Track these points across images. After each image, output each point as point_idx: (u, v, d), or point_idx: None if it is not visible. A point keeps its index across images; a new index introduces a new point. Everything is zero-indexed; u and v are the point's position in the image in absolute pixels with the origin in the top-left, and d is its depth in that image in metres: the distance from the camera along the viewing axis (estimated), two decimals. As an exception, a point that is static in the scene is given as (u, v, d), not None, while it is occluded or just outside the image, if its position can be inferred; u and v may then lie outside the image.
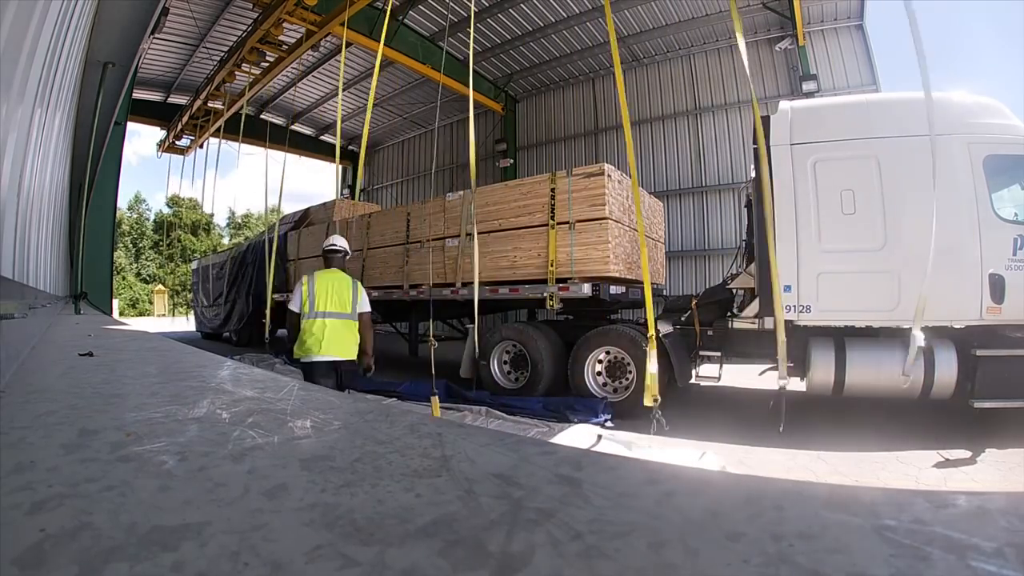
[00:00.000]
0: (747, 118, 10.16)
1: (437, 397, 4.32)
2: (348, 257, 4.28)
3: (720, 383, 5.64)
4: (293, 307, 3.79)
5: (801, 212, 4.79)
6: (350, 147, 19.30)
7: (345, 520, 0.37)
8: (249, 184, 44.50)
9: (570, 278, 5.74)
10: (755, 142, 5.17)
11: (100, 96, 5.10)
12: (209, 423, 0.65)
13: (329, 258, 3.99)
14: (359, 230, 8.47)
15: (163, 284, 31.71)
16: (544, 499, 0.39)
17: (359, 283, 3.95)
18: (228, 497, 0.41)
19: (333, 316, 3.73)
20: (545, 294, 5.89)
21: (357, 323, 3.84)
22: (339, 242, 4.08)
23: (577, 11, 11.48)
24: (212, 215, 27.07)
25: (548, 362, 5.96)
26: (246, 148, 14.99)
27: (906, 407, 4.89)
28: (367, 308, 3.90)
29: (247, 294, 11.54)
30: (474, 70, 10.13)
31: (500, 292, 6.27)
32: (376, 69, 7.34)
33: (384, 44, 11.09)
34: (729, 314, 5.56)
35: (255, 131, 14.81)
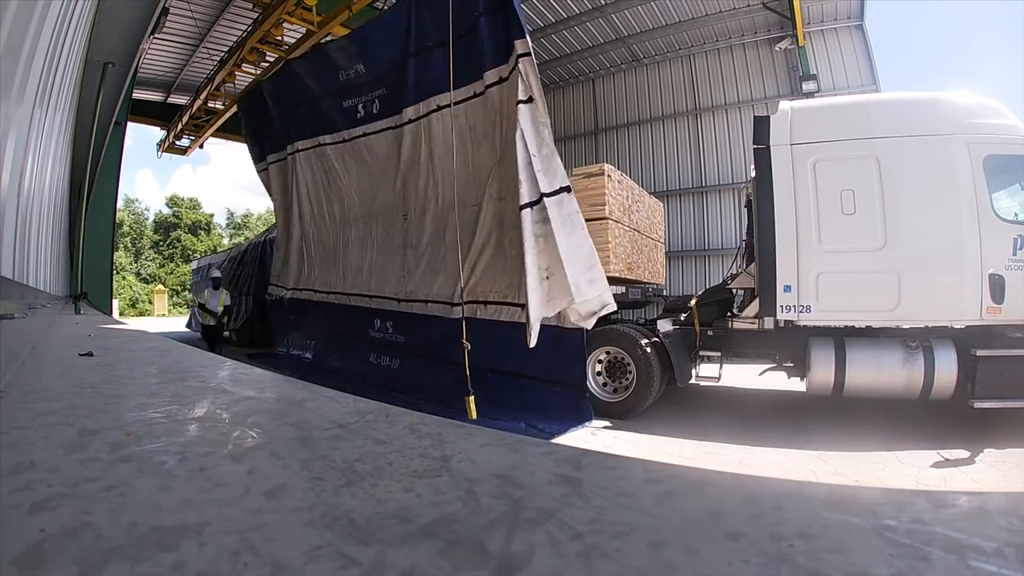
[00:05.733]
0: (747, 118, 10.16)
1: (472, 397, 4.17)
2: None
3: (720, 383, 5.63)
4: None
5: (801, 212, 4.79)
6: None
7: (345, 520, 0.37)
8: (246, 183, 44.42)
9: (570, 278, 5.72)
10: (755, 142, 5.17)
11: (100, 96, 5.09)
12: (209, 423, 0.65)
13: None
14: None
15: (163, 284, 31.71)
16: (544, 499, 0.39)
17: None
18: (228, 497, 0.41)
19: None
20: (545, 294, 5.87)
21: None
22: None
23: (577, 11, 11.48)
24: (212, 215, 27.05)
25: (548, 362, 5.93)
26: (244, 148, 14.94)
27: (906, 407, 4.88)
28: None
29: (247, 293, 11.54)
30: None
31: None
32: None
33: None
34: (729, 314, 5.55)
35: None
